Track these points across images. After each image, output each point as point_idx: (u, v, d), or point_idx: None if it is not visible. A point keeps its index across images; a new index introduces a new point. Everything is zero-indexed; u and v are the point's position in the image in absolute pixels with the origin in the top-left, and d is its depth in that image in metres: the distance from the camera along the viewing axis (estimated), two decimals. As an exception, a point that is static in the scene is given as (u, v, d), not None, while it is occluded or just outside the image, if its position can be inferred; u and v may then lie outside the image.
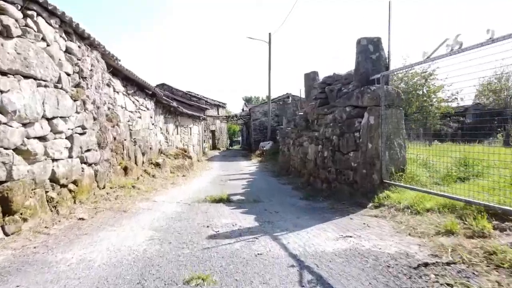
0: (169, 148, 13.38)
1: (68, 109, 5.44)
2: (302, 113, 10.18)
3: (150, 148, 10.49)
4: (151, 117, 10.91)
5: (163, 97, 11.67)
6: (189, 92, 31.14)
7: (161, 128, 12.37)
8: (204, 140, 29.19)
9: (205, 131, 30.72)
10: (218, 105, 35.12)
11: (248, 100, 68.41)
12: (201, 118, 20.82)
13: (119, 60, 7.70)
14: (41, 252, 3.51)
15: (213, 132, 33.78)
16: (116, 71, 8.03)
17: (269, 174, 12.76)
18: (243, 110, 45.13)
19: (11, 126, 4.10)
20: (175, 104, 13.39)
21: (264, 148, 22.62)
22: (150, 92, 10.83)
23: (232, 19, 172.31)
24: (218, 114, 33.39)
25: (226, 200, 6.47)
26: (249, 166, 17.30)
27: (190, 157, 13.90)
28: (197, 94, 31.61)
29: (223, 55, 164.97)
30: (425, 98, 16.93)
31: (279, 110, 26.16)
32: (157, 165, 9.97)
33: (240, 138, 58.19)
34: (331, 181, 7.07)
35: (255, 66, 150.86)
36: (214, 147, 33.43)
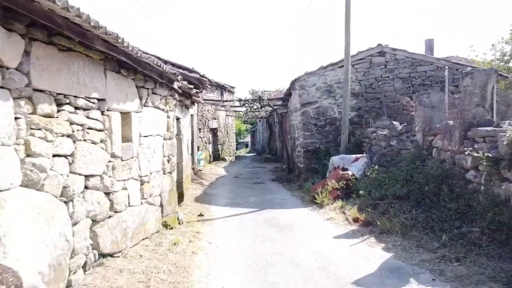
0: None
1: None
2: None
3: None
4: None
5: None
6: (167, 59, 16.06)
7: None
8: (198, 147, 15.14)
9: (200, 129, 16.62)
10: (223, 87, 20.85)
11: (254, 94, 54.79)
12: (193, 86, 6.83)
13: None
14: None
15: (214, 131, 19.55)
16: None
17: None
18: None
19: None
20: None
21: (350, 173, 8.66)
22: None
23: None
24: (222, 99, 19.21)
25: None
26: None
27: None
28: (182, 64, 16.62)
29: (219, 46, 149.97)
30: None
31: (362, 85, 11.86)
32: None
33: (249, 140, 43.50)
34: None
35: (260, 56, 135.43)
36: (216, 157, 19.30)
